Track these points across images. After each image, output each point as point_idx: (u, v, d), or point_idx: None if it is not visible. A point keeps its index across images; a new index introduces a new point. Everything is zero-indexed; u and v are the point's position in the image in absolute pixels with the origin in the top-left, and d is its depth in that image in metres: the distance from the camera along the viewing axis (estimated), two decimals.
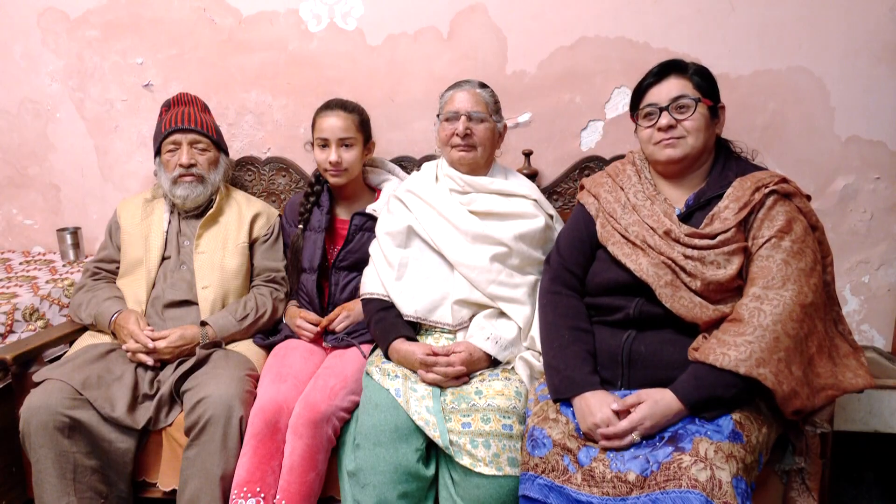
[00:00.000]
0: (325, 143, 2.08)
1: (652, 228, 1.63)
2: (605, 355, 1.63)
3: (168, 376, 1.89)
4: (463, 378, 1.76)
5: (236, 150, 2.54)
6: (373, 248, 2.05)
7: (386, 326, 1.88)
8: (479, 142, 1.93)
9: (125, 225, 2.16)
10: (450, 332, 1.90)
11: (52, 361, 2.00)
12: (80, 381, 1.78)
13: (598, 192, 1.78)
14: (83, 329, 2.09)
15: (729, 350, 1.43)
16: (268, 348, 2.09)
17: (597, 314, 1.72)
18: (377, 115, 2.29)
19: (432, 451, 1.69)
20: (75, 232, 2.55)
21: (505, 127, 2.05)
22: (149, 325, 1.98)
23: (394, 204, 2.04)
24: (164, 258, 2.11)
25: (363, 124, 2.14)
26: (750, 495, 1.35)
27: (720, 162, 1.67)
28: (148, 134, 2.52)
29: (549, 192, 2.36)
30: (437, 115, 2.01)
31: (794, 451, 1.59)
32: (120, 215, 2.19)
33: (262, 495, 1.70)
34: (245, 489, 1.70)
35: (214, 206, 2.14)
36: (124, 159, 2.63)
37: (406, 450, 1.62)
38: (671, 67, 1.65)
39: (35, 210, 2.73)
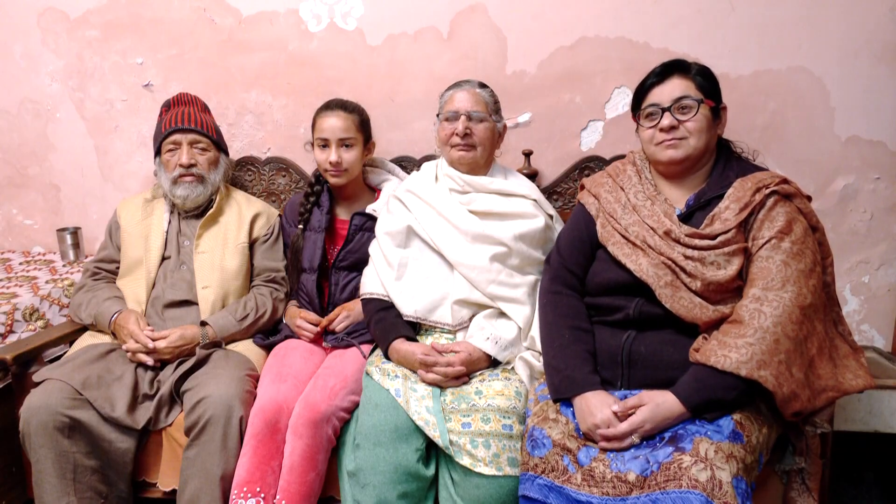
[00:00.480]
0: (325, 144, 2.08)
1: (652, 229, 1.63)
2: (605, 355, 1.63)
3: (168, 376, 1.89)
4: (463, 378, 1.76)
5: (236, 150, 2.54)
6: (372, 248, 2.05)
7: (386, 326, 1.88)
8: (479, 141, 1.93)
9: (125, 225, 2.16)
10: (450, 332, 1.90)
11: (52, 361, 2.00)
12: (80, 381, 1.78)
13: (598, 192, 1.78)
14: (83, 329, 2.09)
15: (730, 352, 1.43)
16: (268, 348, 2.09)
17: (597, 314, 1.72)
18: (377, 115, 2.29)
19: (432, 451, 1.69)
20: (75, 232, 2.55)
21: (505, 127, 2.05)
22: (149, 325, 1.98)
23: (393, 204, 2.04)
24: (164, 258, 2.11)
25: (363, 124, 2.14)
26: (750, 495, 1.35)
27: (721, 162, 1.67)
28: (148, 134, 2.52)
29: (549, 192, 2.36)
30: (437, 115, 2.01)
31: (795, 451, 1.59)
32: (120, 215, 2.19)
33: (262, 495, 1.70)
34: (245, 489, 1.70)
35: (214, 206, 2.14)
36: (124, 159, 2.63)
37: (406, 450, 1.62)
38: (674, 67, 1.65)
39: (35, 210, 2.73)
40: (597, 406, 1.50)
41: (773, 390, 1.40)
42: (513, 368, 1.83)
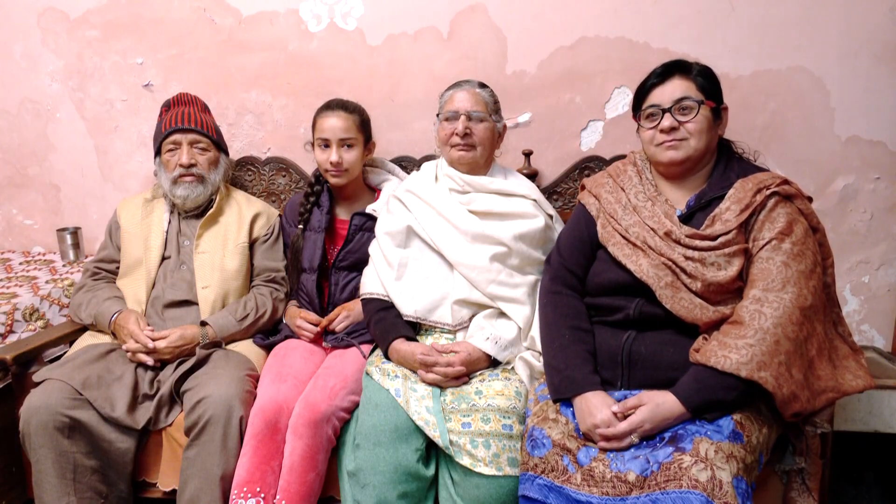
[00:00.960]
0: (325, 144, 2.08)
1: (652, 229, 1.62)
2: (605, 355, 1.63)
3: (168, 376, 1.89)
4: (463, 378, 1.76)
5: (236, 150, 2.54)
6: (372, 248, 2.05)
7: (386, 326, 1.88)
8: (479, 141, 1.93)
9: (125, 225, 2.16)
10: (449, 332, 1.90)
11: (52, 361, 2.01)
12: (80, 381, 1.78)
13: (598, 193, 1.78)
14: (83, 329, 2.09)
15: (730, 353, 1.43)
16: (268, 348, 2.09)
17: (597, 314, 1.72)
18: (377, 115, 2.29)
19: (432, 451, 1.69)
20: (75, 232, 2.55)
21: (504, 127, 2.05)
22: (149, 325, 1.98)
23: (393, 204, 2.04)
24: (164, 258, 2.11)
25: (364, 125, 2.14)
26: (750, 495, 1.35)
27: (722, 163, 1.67)
28: (148, 134, 2.52)
29: (549, 192, 2.36)
30: (437, 115, 2.01)
31: (795, 451, 1.59)
32: (120, 215, 2.19)
33: (262, 495, 1.70)
34: (245, 489, 1.70)
35: (214, 206, 2.14)
36: (124, 159, 2.63)
37: (406, 450, 1.62)
38: (675, 68, 1.64)
39: (35, 210, 2.72)
40: (597, 406, 1.50)
41: (773, 391, 1.40)
42: (513, 368, 1.83)
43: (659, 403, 1.45)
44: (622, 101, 2.37)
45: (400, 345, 1.81)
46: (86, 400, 1.77)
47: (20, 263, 2.54)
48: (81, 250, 2.58)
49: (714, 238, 1.56)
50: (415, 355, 1.76)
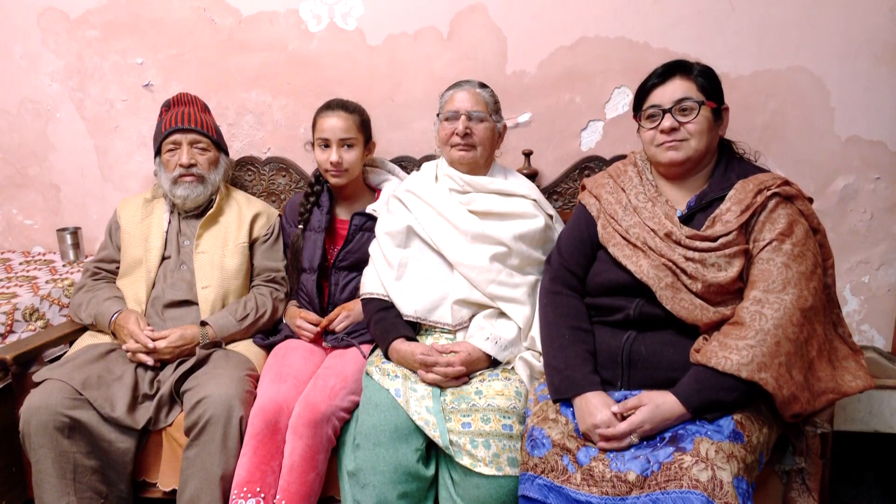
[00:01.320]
0: (326, 144, 2.08)
1: (653, 230, 1.62)
2: (605, 356, 1.63)
3: (168, 376, 1.89)
4: (463, 378, 1.76)
5: (236, 150, 2.54)
6: (372, 248, 2.05)
7: (386, 326, 1.88)
8: (479, 141, 1.93)
9: (125, 225, 2.16)
10: (450, 332, 1.90)
11: (52, 361, 2.00)
12: (80, 381, 1.78)
13: (599, 193, 1.77)
14: (83, 329, 2.09)
15: (731, 354, 1.43)
16: (268, 348, 2.09)
17: (597, 314, 1.71)
18: (377, 115, 2.29)
19: (432, 451, 1.69)
20: (75, 232, 2.55)
21: (505, 127, 2.05)
22: (149, 325, 1.98)
23: (393, 204, 2.04)
24: (164, 258, 2.11)
25: (364, 125, 2.14)
26: (751, 495, 1.35)
27: (722, 163, 1.67)
28: (148, 134, 2.52)
29: (549, 192, 2.36)
30: (437, 115, 2.01)
31: (795, 451, 1.59)
32: (120, 215, 2.19)
33: (262, 495, 1.70)
34: (245, 489, 1.70)
35: (214, 205, 2.14)
36: (124, 159, 2.63)
37: (406, 450, 1.62)
38: (676, 68, 1.64)
39: (35, 210, 2.73)
40: (597, 406, 1.50)
41: (773, 392, 1.40)
42: (513, 368, 1.83)
43: (659, 404, 1.45)
44: (622, 101, 2.37)
45: (400, 345, 1.81)
46: (86, 400, 1.77)
47: (20, 263, 2.54)
48: (81, 250, 2.58)
49: (714, 239, 1.55)
50: (415, 355, 1.76)
